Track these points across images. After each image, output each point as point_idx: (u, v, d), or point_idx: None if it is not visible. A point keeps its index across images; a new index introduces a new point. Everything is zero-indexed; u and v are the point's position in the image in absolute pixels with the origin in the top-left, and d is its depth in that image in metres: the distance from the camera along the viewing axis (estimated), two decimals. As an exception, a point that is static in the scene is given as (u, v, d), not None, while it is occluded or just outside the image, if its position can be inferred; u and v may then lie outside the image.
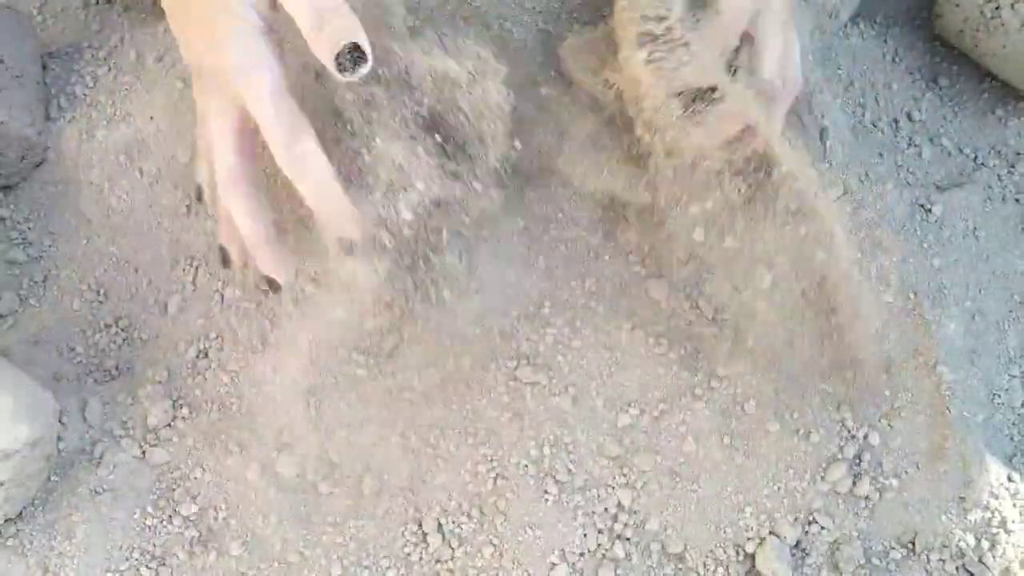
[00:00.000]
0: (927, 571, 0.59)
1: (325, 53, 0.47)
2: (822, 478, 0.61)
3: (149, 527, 0.58)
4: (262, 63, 0.49)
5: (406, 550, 0.59)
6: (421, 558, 0.59)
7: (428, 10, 0.61)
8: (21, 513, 0.58)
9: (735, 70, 0.52)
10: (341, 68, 0.47)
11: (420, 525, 0.59)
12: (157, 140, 0.66)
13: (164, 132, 0.66)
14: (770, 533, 0.60)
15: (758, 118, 0.52)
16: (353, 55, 0.47)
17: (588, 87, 0.58)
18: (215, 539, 0.59)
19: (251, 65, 0.49)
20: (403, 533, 0.59)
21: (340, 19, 0.47)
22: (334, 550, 0.59)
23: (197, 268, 0.64)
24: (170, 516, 0.59)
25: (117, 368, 0.63)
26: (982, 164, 0.74)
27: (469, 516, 0.59)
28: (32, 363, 0.62)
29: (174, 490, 0.59)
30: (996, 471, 0.63)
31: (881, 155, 0.73)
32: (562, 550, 0.58)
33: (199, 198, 0.56)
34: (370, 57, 0.47)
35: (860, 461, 0.62)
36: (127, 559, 0.57)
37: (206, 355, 0.62)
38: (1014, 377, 0.66)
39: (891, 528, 0.61)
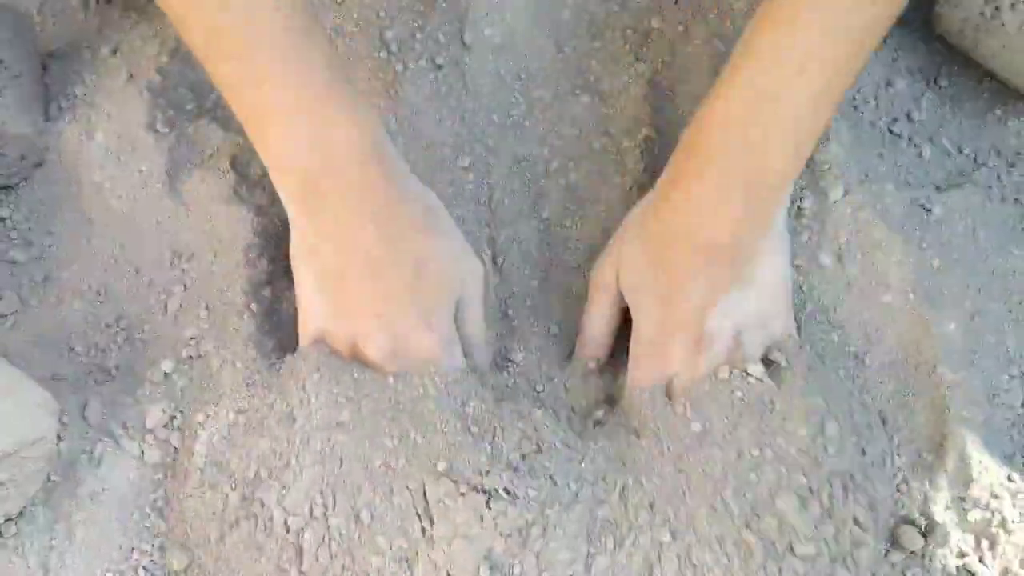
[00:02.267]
0: (927, 571, 0.59)
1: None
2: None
3: (148, 527, 0.58)
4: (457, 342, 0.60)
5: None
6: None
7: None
8: (21, 513, 0.58)
9: None
10: None
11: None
12: (157, 140, 0.66)
13: (164, 132, 0.66)
14: None
15: None
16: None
17: None
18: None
19: (453, 343, 0.59)
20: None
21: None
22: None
23: (196, 268, 0.64)
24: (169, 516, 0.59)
25: (117, 368, 0.63)
26: (982, 164, 0.74)
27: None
28: (32, 363, 0.62)
29: (174, 490, 0.59)
30: (996, 471, 0.63)
31: (881, 155, 0.73)
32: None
33: None
34: None
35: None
36: (127, 559, 0.57)
37: (205, 355, 0.62)
38: (1014, 377, 0.66)
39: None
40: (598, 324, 0.62)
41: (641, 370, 0.59)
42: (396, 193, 0.55)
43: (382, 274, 0.55)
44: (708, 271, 0.57)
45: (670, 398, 0.58)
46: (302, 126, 0.53)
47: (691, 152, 0.56)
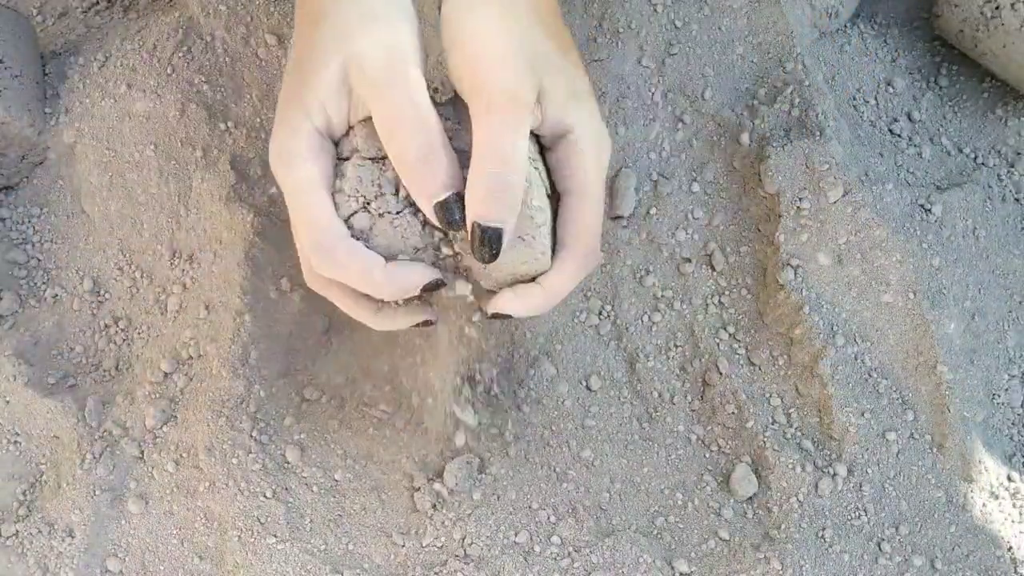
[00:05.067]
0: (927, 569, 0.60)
1: (424, 195, 0.45)
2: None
3: (147, 527, 0.58)
4: (302, 157, 0.46)
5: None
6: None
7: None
8: (21, 513, 0.58)
9: None
10: (444, 216, 0.45)
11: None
12: (157, 140, 0.66)
13: (164, 132, 0.66)
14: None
15: None
16: (457, 207, 0.45)
17: None
18: (213, 540, 0.59)
19: (290, 157, 0.46)
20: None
21: (451, 166, 0.45)
22: (331, 552, 0.59)
23: (196, 268, 0.64)
24: (169, 515, 0.59)
25: (116, 368, 0.63)
26: (982, 164, 0.74)
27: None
28: (32, 363, 0.62)
29: (172, 490, 0.59)
30: (996, 471, 0.63)
31: (881, 155, 0.73)
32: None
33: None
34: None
35: (860, 460, 0.62)
36: (125, 559, 0.57)
37: (205, 355, 0.62)
38: (1013, 377, 0.66)
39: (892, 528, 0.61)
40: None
41: (598, 168, 0.50)
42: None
43: (288, 72, 0.49)
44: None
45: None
46: None
47: None
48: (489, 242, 0.45)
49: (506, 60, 0.46)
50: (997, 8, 0.69)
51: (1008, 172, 0.73)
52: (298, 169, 0.45)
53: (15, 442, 0.60)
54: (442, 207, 0.45)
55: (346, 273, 0.46)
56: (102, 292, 0.65)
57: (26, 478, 0.60)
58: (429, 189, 0.45)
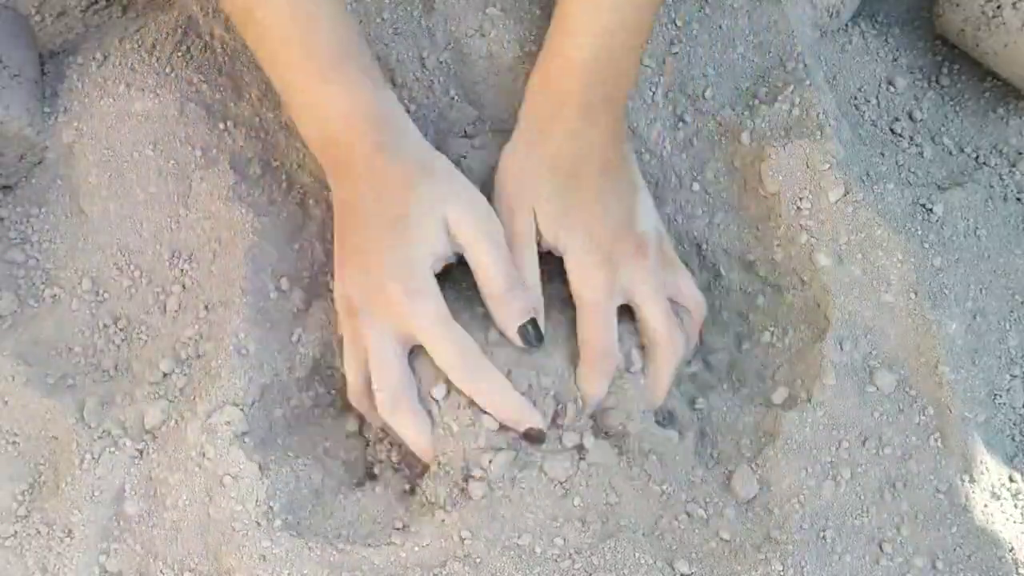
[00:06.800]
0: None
1: (508, 322, 0.59)
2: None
3: (147, 527, 0.58)
4: (431, 291, 0.57)
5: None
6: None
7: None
8: (20, 513, 0.58)
9: None
10: (524, 339, 0.59)
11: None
12: (156, 139, 0.66)
13: (163, 132, 0.66)
14: None
15: None
16: (534, 330, 0.59)
17: None
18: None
19: (421, 292, 0.57)
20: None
21: (528, 294, 0.59)
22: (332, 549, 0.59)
23: (195, 268, 0.64)
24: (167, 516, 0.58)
25: (116, 368, 0.63)
26: (983, 163, 0.73)
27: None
28: (31, 363, 0.62)
29: (170, 490, 0.59)
30: (997, 471, 0.62)
31: (882, 154, 0.73)
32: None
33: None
34: (544, 336, 0.59)
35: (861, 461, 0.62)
36: (124, 559, 0.57)
37: (204, 355, 0.62)
38: (1015, 377, 0.66)
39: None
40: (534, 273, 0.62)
41: (590, 289, 0.61)
42: (386, 156, 0.59)
43: (362, 230, 0.59)
44: (616, 187, 0.62)
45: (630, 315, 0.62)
46: (305, 105, 0.60)
47: (550, 94, 0.62)
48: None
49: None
50: (998, 7, 0.68)
51: (1009, 171, 0.73)
52: (434, 302, 0.57)
53: (13, 442, 0.60)
54: (523, 329, 0.58)
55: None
56: (101, 292, 0.65)
57: (25, 478, 0.60)
58: (514, 316, 0.58)
